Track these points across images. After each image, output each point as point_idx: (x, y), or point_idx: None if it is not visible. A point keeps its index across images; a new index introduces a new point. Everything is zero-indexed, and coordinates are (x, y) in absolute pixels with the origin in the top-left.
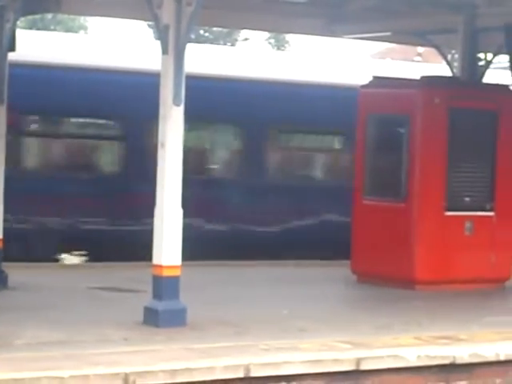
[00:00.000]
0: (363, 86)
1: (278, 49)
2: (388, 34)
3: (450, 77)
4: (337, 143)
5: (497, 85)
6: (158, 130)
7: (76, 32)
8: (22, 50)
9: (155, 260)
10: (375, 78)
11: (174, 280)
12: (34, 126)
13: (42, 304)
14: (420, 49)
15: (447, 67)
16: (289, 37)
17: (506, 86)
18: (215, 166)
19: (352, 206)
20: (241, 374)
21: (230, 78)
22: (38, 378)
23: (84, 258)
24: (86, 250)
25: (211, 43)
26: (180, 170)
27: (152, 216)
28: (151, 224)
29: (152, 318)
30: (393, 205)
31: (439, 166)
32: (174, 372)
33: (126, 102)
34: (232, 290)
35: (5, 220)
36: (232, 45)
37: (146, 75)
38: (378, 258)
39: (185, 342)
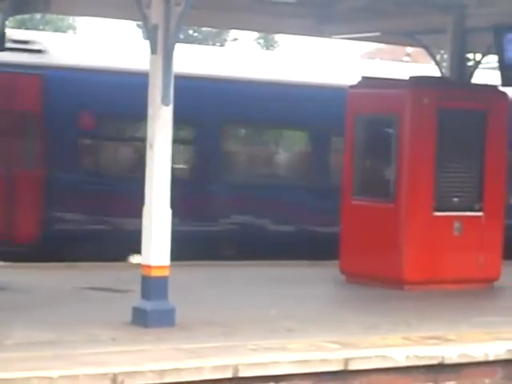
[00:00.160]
0: (352, 87)
1: (267, 49)
2: (377, 34)
3: (438, 77)
4: None
5: (485, 85)
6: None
7: (65, 32)
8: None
9: (143, 260)
10: (364, 78)
11: (163, 280)
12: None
13: (31, 304)
14: (409, 49)
15: (436, 67)
16: (278, 37)
17: (495, 87)
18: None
19: (340, 206)
20: (229, 374)
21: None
22: (28, 378)
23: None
24: None
25: (200, 43)
26: (169, 170)
27: (226, 217)
28: (225, 224)
29: (140, 318)
30: (381, 205)
31: (428, 167)
32: (162, 372)
33: (201, 108)
34: (220, 291)
35: (81, 221)
36: (221, 45)
37: (223, 81)
38: (366, 258)
39: (173, 342)
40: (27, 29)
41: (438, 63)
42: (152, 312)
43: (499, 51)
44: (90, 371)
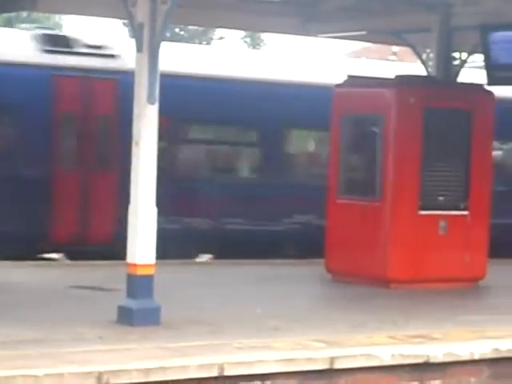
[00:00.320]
0: (338, 86)
1: (254, 48)
2: (363, 33)
3: (424, 76)
4: None
5: (471, 84)
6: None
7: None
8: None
9: (129, 258)
10: (350, 77)
11: (148, 279)
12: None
13: (18, 302)
14: (395, 48)
15: (422, 66)
16: (264, 36)
17: (481, 86)
18: None
19: (326, 204)
20: (215, 373)
21: None
22: (13, 377)
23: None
24: (226, 250)
25: (186, 42)
26: (154, 168)
27: (291, 217)
28: (289, 224)
29: (126, 317)
30: (367, 204)
31: (413, 165)
32: (147, 371)
33: (263, 112)
34: (206, 289)
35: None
36: (207, 43)
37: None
38: (352, 256)
39: (159, 340)
40: (12, 27)
41: (423, 62)
42: (137, 311)
43: (485, 50)
44: (76, 370)
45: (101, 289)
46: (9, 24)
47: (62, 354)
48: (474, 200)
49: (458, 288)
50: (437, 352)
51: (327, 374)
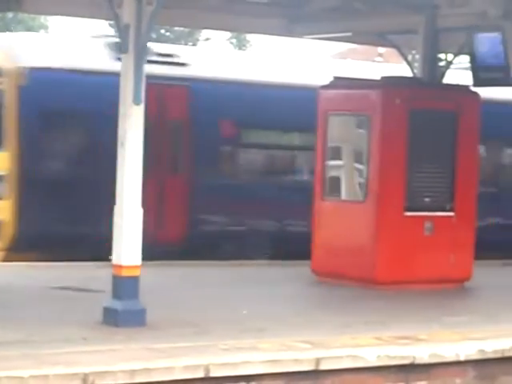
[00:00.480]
0: (323, 87)
1: (240, 49)
2: (348, 34)
3: (410, 77)
4: None
5: (457, 85)
6: None
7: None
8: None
9: (115, 260)
10: (336, 78)
11: (134, 280)
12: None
13: (1, 303)
14: (381, 49)
15: (408, 68)
16: (250, 37)
17: (467, 87)
18: None
19: (312, 205)
20: (200, 374)
21: None
22: None
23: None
24: (290, 251)
25: (172, 43)
26: (140, 168)
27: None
28: None
29: (111, 318)
30: (353, 205)
31: (399, 166)
32: (133, 372)
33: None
34: (192, 291)
35: (221, 222)
36: (193, 44)
37: None
38: (338, 257)
39: (144, 341)
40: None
41: (409, 63)
42: (123, 312)
43: (471, 51)
44: (61, 371)
45: (85, 290)
46: (4, 27)
47: (47, 356)
48: (459, 201)
49: (444, 289)
50: (422, 353)
51: (313, 375)
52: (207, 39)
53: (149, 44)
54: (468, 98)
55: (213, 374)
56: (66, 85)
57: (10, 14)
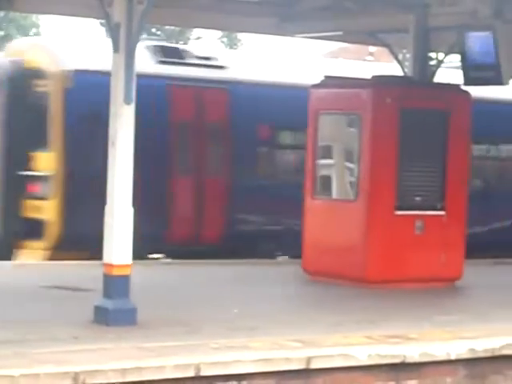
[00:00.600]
0: (314, 86)
1: (231, 48)
2: (339, 33)
3: (401, 76)
4: None
5: (448, 84)
6: None
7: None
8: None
9: (106, 259)
10: (327, 77)
11: (125, 279)
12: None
13: None
14: (372, 48)
15: (399, 66)
16: (241, 36)
17: (457, 86)
18: None
19: (302, 205)
20: (191, 373)
21: None
22: None
23: None
24: None
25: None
26: (131, 168)
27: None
28: None
29: (102, 317)
30: (344, 204)
31: (390, 166)
32: (124, 371)
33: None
34: (183, 289)
35: (259, 222)
36: (184, 43)
37: None
38: (329, 257)
39: (135, 340)
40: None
41: (400, 62)
42: (113, 311)
43: (462, 50)
44: (52, 370)
45: (76, 289)
46: None
47: (38, 354)
48: (450, 200)
49: (435, 288)
50: (413, 352)
51: (304, 374)
52: (198, 38)
53: (188, 47)
54: (459, 97)
55: (203, 373)
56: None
57: (1, 13)
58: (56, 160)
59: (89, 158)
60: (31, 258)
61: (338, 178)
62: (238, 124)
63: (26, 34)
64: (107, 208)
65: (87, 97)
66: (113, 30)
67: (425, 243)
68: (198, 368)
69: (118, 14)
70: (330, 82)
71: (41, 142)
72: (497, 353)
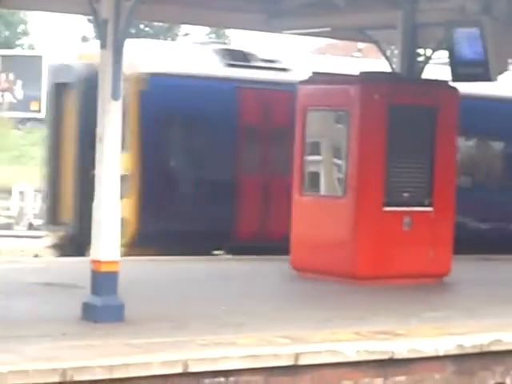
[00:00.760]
0: (302, 82)
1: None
2: (327, 29)
3: (389, 72)
4: None
5: (436, 81)
6: None
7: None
8: None
9: (93, 255)
10: (314, 73)
11: (113, 275)
12: None
13: None
14: (360, 44)
15: (387, 63)
16: (229, 32)
17: (446, 82)
18: None
19: (290, 201)
20: (179, 370)
21: None
22: None
23: None
24: None
25: (152, 38)
26: (118, 164)
27: None
28: None
29: (90, 314)
30: (332, 200)
31: (378, 162)
32: (111, 367)
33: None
34: (171, 286)
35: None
36: (173, 40)
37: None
38: (317, 253)
39: (123, 337)
40: None
41: (388, 59)
42: (101, 307)
43: (450, 47)
44: (40, 366)
45: (64, 285)
46: None
47: (27, 351)
48: (438, 196)
49: (423, 284)
50: (401, 348)
51: (292, 370)
52: (186, 34)
53: (252, 50)
54: (447, 93)
55: (191, 370)
56: (183, 90)
57: None
58: (132, 160)
59: (163, 157)
60: None
61: (326, 175)
62: None
63: (14, 31)
64: (95, 204)
65: (161, 99)
66: (100, 26)
67: (413, 239)
68: (185, 364)
69: (106, 10)
70: (317, 78)
71: None
72: (485, 349)
